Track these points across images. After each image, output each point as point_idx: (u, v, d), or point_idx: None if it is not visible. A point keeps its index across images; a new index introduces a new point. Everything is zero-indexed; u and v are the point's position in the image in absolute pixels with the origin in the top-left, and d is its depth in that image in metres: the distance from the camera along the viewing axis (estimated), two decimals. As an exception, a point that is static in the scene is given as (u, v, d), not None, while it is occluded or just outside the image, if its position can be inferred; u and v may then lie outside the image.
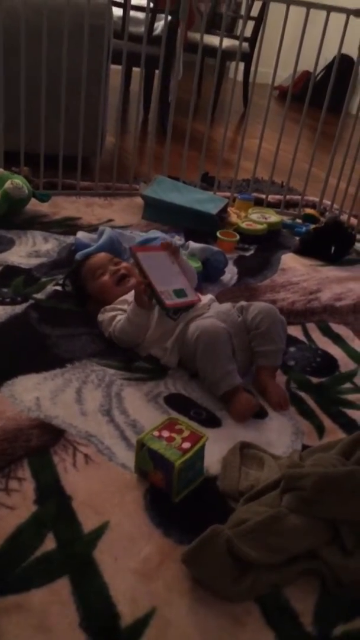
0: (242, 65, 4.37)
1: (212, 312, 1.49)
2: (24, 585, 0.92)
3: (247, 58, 4.29)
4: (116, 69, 2.57)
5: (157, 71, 2.63)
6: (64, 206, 2.30)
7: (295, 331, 1.69)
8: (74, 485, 1.10)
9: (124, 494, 1.10)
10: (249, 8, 2.77)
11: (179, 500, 1.10)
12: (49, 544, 0.99)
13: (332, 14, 2.26)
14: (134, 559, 0.99)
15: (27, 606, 0.89)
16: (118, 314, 1.50)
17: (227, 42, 3.75)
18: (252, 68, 2.63)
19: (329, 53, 2.55)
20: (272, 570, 0.97)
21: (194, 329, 1.40)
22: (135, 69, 3.88)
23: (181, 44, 2.70)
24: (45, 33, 2.10)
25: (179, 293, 1.47)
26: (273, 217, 2.36)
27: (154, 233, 1.97)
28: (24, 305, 1.63)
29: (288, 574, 0.98)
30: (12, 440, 1.18)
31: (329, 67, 4.60)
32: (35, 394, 1.31)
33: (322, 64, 4.61)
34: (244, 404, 1.32)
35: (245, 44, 4.13)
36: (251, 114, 2.59)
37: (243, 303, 1.52)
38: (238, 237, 2.17)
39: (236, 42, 4.12)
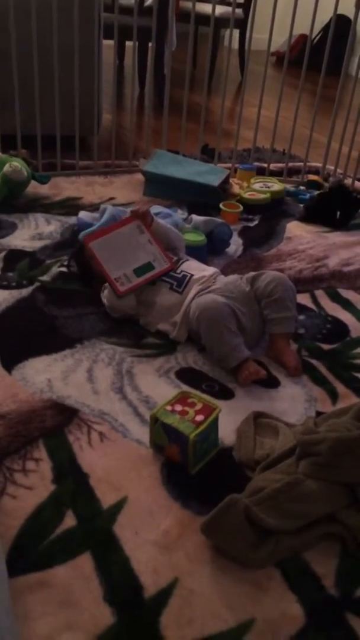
0: (236, 33, 4.28)
1: (219, 284, 1.48)
2: (47, 563, 0.93)
3: (241, 25, 4.20)
4: (108, 43, 2.52)
5: (150, 44, 2.58)
6: (64, 187, 2.28)
7: (303, 299, 1.68)
8: (91, 462, 1.11)
9: (140, 469, 1.10)
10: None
11: (196, 472, 1.10)
12: (69, 521, 1.00)
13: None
14: (154, 531, 0.99)
15: (50, 583, 0.90)
16: None
17: (220, 9, 3.67)
18: (247, 35, 2.57)
19: (325, 14, 2.49)
20: (292, 536, 0.97)
21: (194, 307, 1.40)
22: (128, 43, 3.82)
23: (173, 14, 2.65)
24: (34, 9, 2.06)
25: (145, 268, 1.49)
26: (276, 185, 2.32)
27: (156, 208, 1.95)
28: (30, 289, 1.63)
29: (308, 539, 0.98)
30: (27, 421, 1.19)
31: (325, 29, 4.50)
32: (46, 375, 1.32)
33: (319, 26, 4.50)
34: (247, 369, 1.32)
35: (239, 10, 4.03)
36: (249, 82, 2.54)
37: (252, 273, 1.51)
38: (241, 207, 2.14)
39: (229, 9, 4.03)
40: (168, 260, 1.53)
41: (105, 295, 1.51)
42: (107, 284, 1.53)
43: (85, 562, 0.94)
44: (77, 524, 0.99)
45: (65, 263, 1.73)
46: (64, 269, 1.72)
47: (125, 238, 1.53)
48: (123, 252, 1.51)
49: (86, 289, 1.63)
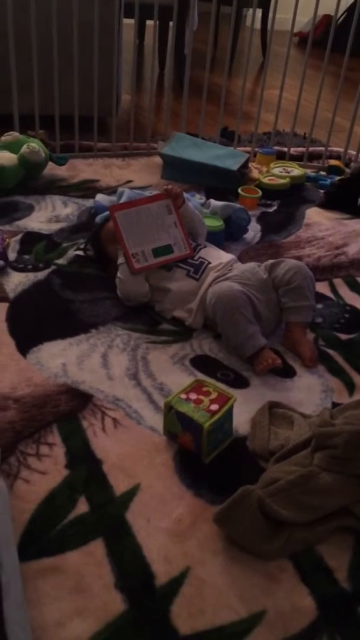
0: (259, 12, 4.20)
1: (236, 272, 1.47)
2: (59, 548, 0.93)
3: (264, 4, 4.11)
4: (129, 23, 2.48)
5: (171, 23, 2.53)
6: (81, 169, 2.26)
7: (322, 287, 1.65)
8: (104, 449, 1.11)
9: (153, 457, 1.10)
10: None
11: (209, 461, 1.10)
12: (82, 507, 1.00)
13: None
14: (166, 519, 0.99)
15: (62, 568, 0.91)
16: None
17: (243, -12, 3.59)
18: (270, 15, 2.51)
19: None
20: (305, 528, 0.96)
21: (210, 295, 1.38)
22: (149, 22, 3.76)
23: (195, -8, 2.59)
24: (54, -12, 2.03)
25: (164, 250, 1.48)
26: (296, 170, 2.29)
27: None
28: (46, 272, 1.62)
29: (321, 532, 0.97)
30: (41, 406, 1.19)
31: (350, 10, 4.39)
32: (61, 360, 1.31)
33: (343, 7, 4.40)
34: (263, 357, 1.31)
35: (262, -11, 3.95)
36: (270, 64, 2.49)
37: (271, 261, 1.49)
38: (260, 193, 2.11)
39: (252, -12, 3.95)
40: (188, 247, 1.51)
41: (118, 279, 1.50)
42: (120, 265, 1.51)
43: (97, 549, 0.94)
44: (90, 510, 0.99)
45: (82, 246, 1.71)
46: (80, 253, 1.71)
47: (152, 215, 1.51)
48: (146, 229, 1.49)
49: (102, 272, 1.62)
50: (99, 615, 0.85)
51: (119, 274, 1.50)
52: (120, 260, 1.50)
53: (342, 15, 4.50)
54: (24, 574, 0.88)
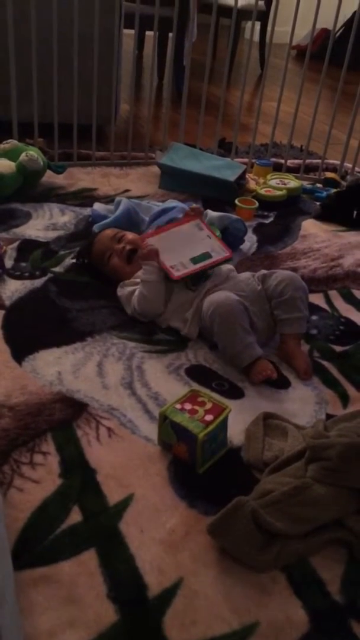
0: (258, 25, 4.24)
1: (231, 282, 1.47)
2: (52, 558, 0.93)
3: (263, 17, 4.15)
4: (129, 33, 2.50)
5: (170, 34, 2.55)
6: (79, 177, 2.27)
7: (317, 299, 1.66)
8: (98, 458, 1.10)
9: (147, 467, 1.10)
10: None
11: (203, 471, 1.10)
12: (75, 516, 1.00)
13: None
14: (159, 530, 0.99)
15: (55, 578, 0.90)
16: (137, 288, 1.49)
17: (243, 1, 3.62)
18: (269, 27, 2.54)
19: (348, 9, 2.45)
20: (298, 540, 0.97)
21: (207, 304, 1.39)
22: (148, 33, 3.78)
23: (195, 5, 2.62)
24: (55, -2, 2.05)
25: (201, 257, 1.49)
26: (292, 182, 2.30)
27: (171, 202, 1.93)
28: (42, 279, 1.62)
29: (314, 544, 0.97)
30: (36, 414, 1.19)
31: (348, 24, 4.43)
32: (56, 368, 1.31)
33: (341, 20, 4.44)
34: (259, 367, 1.31)
35: (261, 2, 3.99)
36: (268, 76, 2.51)
37: (264, 272, 1.50)
38: (257, 204, 2.12)
39: (252, 1, 3.98)
40: (226, 250, 1.55)
41: (141, 295, 1.45)
42: (126, 282, 1.51)
43: (90, 559, 0.94)
44: (83, 520, 0.99)
45: (76, 255, 1.71)
46: (75, 261, 1.71)
47: (185, 234, 1.54)
48: (180, 246, 1.51)
49: (98, 281, 1.62)
50: (91, 626, 0.85)
51: (143, 291, 1.45)
52: (146, 277, 1.45)
53: (339, 29, 4.55)
54: (16, 583, 0.88)
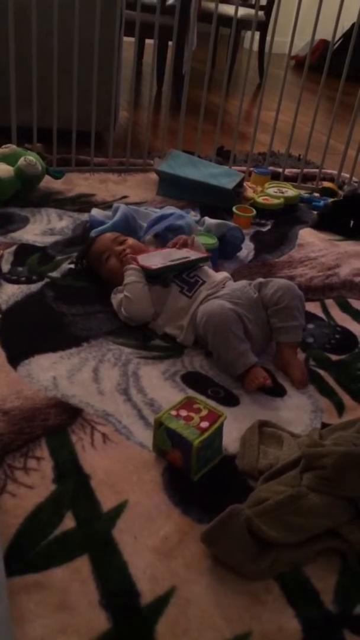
0: (257, 35, 4.27)
1: (227, 290, 1.47)
2: (44, 564, 0.92)
3: (262, 27, 4.18)
4: (128, 41, 2.51)
5: (170, 42, 2.56)
6: (78, 183, 2.27)
7: (313, 308, 1.66)
8: (92, 464, 1.10)
9: (142, 473, 1.09)
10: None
11: (198, 479, 1.09)
12: (68, 522, 0.99)
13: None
14: (153, 537, 0.98)
15: (47, 584, 0.90)
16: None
17: (242, 11, 3.66)
18: (268, 37, 2.56)
19: (347, 21, 2.47)
20: (292, 549, 0.96)
21: (201, 314, 1.39)
22: (148, 41, 3.81)
23: (195, 14, 2.63)
24: (56, 4, 2.05)
25: (180, 259, 1.53)
26: (290, 191, 2.31)
27: (169, 209, 1.94)
28: (39, 284, 1.62)
29: (308, 553, 0.97)
30: (30, 419, 1.18)
31: (346, 35, 4.47)
32: (52, 373, 1.31)
33: (340, 32, 4.48)
34: (253, 374, 1.31)
35: (261, 13, 4.02)
36: (267, 85, 2.52)
37: (260, 280, 1.50)
38: (254, 212, 2.13)
39: (251, 11, 4.01)
40: (205, 253, 1.58)
41: (125, 298, 1.47)
42: (119, 288, 1.52)
43: (82, 565, 0.93)
44: (76, 526, 0.99)
45: (74, 260, 1.71)
46: (73, 266, 1.71)
47: (166, 251, 1.59)
48: (162, 257, 1.55)
49: (95, 286, 1.62)
50: (83, 633, 0.84)
51: (126, 293, 1.47)
52: (128, 279, 1.49)
53: (338, 40, 4.58)
54: (9, 589, 0.87)
